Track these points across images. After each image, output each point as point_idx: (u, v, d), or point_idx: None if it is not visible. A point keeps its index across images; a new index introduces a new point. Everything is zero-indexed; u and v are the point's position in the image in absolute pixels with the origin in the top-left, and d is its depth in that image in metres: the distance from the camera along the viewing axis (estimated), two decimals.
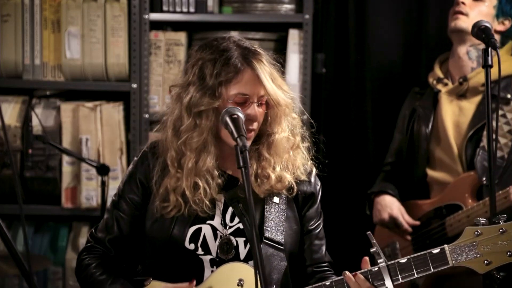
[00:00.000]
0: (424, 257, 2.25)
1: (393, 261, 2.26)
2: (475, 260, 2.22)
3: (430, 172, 3.45)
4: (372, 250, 2.26)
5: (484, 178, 3.26)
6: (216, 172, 2.38)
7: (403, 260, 2.26)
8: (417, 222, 3.45)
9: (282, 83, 2.39)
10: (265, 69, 2.34)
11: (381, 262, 2.26)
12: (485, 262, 2.22)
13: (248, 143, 2.22)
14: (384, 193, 3.54)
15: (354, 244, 4.18)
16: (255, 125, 2.34)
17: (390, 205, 3.49)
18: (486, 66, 2.47)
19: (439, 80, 3.48)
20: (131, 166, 2.49)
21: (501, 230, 2.21)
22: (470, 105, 3.38)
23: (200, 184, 2.36)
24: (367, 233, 2.30)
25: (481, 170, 3.27)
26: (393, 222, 3.48)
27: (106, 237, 2.47)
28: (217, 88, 2.32)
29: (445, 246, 2.24)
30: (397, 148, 3.61)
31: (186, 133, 2.37)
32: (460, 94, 3.40)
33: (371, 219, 3.84)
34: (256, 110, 2.33)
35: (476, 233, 2.22)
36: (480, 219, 2.26)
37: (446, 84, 3.46)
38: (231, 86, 2.32)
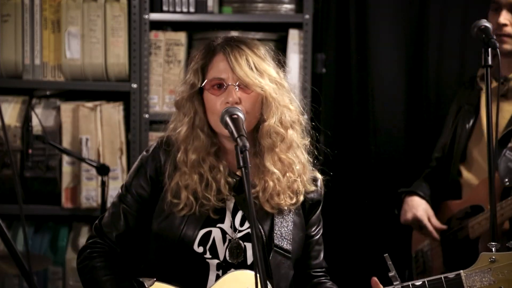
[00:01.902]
0: (439, 281, 2.26)
1: (407, 283, 2.26)
2: (490, 287, 2.23)
3: (465, 173, 3.38)
4: (390, 274, 2.27)
5: (507, 180, 3.17)
6: (222, 167, 2.37)
7: (418, 283, 2.26)
8: (444, 227, 3.39)
9: (268, 69, 2.36)
10: (240, 53, 2.34)
11: (397, 284, 2.27)
12: None
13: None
14: (415, 193, 3.47)
15: (354, 244, 4.20)
16: (239, 107, 2.29)
17: (416, 207, 3.43)
18: (486, 66, 2.46)
19: (483, 77, 3.40)
20: (140, 161, 2.44)
21: None
22: (509, 107, 3.27)
23: (209, 177, 2.35)
24: (385, 255, 2.31)
25: (503, 172, 3.17)
26: (417, 224, 3.42)
27: (113, 232, 2.42)
28: (195, 76, 2.38)
29: (461, 271, 2.25)
30: (444, 143, 3.53)
31: (174, 124, 2.41)
32: (501, 94, 3.25)
33: (371, 220, 3.84)
34: (236, 93, 2.31)
35: (490, 259, 2.23)
36: (493, 243, 2.26)
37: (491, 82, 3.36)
38: (207, 73, 2.36)
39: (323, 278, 2.55)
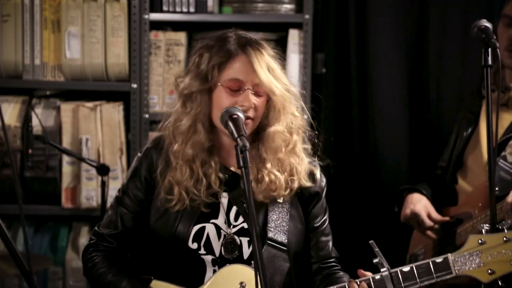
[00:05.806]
0: (427, 265, 2.24)
1: (395, 269, 2.25)
2: (479, 270, 2.20)
3: (460, 180, 3.37)
4: (375, 261, 2.26)
5: (497, 189, 3.11)
6: (213, 163, 2.38)
7: (406, 269, 2.25)
8: (446, 218, 3.35)
9: (282, 76, 2.37)
10: (261, 58, 2.33)
11: (384, 270, 2.26)
12: (489, 271, 2.20)
13: (248, 132, 2.24)
14: (416, 191, 3.43)
15: (357, 244, 4.19)
16: (251, 112, 2.32)
17: (415, 202, 3.38)
18: (486, 66, 2.46)
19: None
20: (135, 162, 2.47)
21: (505, 239, 2.19)
22: (509, 116, 3.23)
23: (199, 172, 2.36)
24: (370, 242, 2.28)
25: (496, 180, 3.05)
26: (415, 219, 3.37)
27: (108, 232, 2.45)
28: (210, 71, 2.35)
29: (449, 255, 2.22)
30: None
31: (175, 116, 2.41)
32: (502, 103, 3.24)
33: (370, 220, 3.84)
34: (251, 98, 2.32)
35: (480, 241, 2.21)
36: (484, 225, 2.23)
37: (493, 90, 3.23)
38: (225, 71, 2.34)
39: (334, 268, 2.52)
